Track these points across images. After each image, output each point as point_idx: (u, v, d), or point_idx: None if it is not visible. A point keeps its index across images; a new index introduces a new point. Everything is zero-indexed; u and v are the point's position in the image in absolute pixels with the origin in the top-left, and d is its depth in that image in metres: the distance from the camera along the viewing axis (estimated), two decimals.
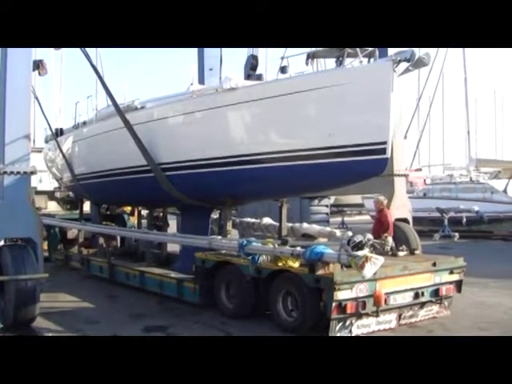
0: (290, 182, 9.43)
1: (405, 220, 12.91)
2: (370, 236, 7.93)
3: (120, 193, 13.06)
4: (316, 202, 19.10)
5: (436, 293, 8.94)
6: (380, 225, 10.81)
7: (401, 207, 12.96)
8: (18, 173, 9.14)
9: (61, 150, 14.43)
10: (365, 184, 16.69)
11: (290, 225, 12.15)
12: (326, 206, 19.52)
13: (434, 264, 8.94)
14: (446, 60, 29.98)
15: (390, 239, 9.78)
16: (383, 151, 8.16)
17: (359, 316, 8.00)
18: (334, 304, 7.66)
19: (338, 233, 11.25)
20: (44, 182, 19.46)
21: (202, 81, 14.57)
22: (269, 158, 9.17)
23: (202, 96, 10.31)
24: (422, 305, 8.89)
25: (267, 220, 13.42)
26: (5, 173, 9.07)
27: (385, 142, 8.12)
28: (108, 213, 17.45)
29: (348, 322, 7.92)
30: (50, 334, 8.68)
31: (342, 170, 8.56)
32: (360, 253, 7.21)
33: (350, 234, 9.58)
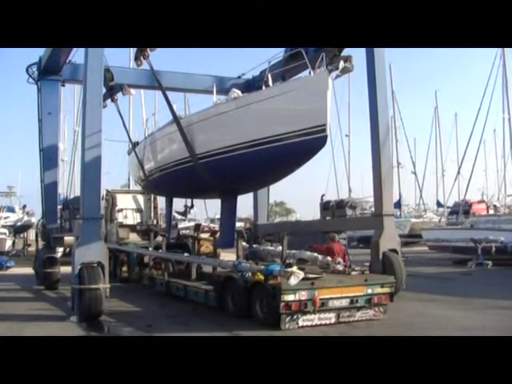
0: (271, 160, 13.11)
1: (394, 250, 16.05)
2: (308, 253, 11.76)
3: (172, 183, 17.71)
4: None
5: (369, 301, 12.41)
6: (327, 252, 15.39)
7: (390, 240, 16.12)
8: (92, 218, 13.51)
9: (137, 157, 19.78)
10: (363, 222, 20.76)
11: (293, 251, 15.98)
12: (344, 239, 22.58)
13: (366, 280, 12.53)
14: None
15: (339, 261, 13.64)
16: (324, 131, 11.99)
17: (304, 313, 11.65)
18: (282, 304, 11.41)
19: (319, 257, 14.93)
20: (128, 217, 24.32)
21: None
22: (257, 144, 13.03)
23: (218, 105, 14.54)
24: (359, 309, 12.36)
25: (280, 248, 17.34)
26: (83, 218, 13.52)
27: (324, 124, 11.93)
28: (178, 242, 22.10)
29: (295, 317, 11.61)
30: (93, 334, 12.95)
31: (301, 146, 12.31)
32: (288, 269, 10.99)
33: (320, 258, 13.53)
